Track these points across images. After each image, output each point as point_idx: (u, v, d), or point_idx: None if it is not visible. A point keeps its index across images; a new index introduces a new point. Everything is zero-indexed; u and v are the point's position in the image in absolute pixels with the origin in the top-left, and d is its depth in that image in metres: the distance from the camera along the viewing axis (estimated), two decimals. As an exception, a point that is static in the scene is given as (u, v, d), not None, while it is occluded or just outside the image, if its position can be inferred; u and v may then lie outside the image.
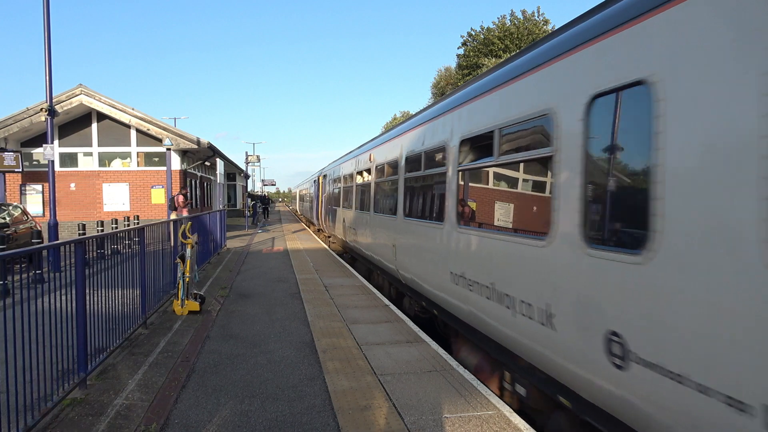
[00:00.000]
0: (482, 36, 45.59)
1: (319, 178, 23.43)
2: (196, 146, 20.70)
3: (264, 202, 41.73)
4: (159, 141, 19.81)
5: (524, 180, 4.64)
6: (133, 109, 19.86)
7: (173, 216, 16.02)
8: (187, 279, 7.73)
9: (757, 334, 2.17)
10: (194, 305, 7.73)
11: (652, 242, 2.78)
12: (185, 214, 16.15)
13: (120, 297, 5.76)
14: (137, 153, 21.13)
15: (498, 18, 46.34)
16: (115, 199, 20.72)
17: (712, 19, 2.51)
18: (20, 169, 18.61)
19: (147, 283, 6.88)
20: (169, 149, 19.05)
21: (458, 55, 48.35)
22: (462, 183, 5.70)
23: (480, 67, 41.55)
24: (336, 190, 16.85)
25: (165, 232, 8.27)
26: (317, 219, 24.05)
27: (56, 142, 18.53)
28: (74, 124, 20.46)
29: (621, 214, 3.26)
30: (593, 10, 3.79)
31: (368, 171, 11.28)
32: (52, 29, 12.01)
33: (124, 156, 21.16)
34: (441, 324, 7.12)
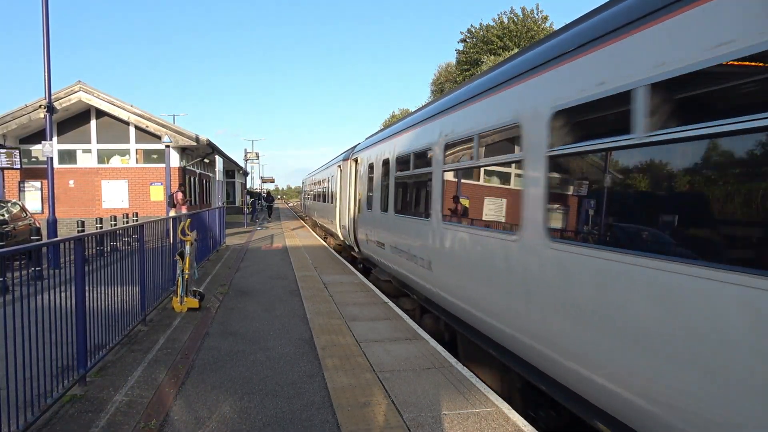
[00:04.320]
0: (481, 33, 45.54)
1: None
2: (195, 143, 20.69)
3: (268, 200, 41.12)
4: (158, 138, 19.78)
5: None
6: (131, 106, 19.83)
7: (172, 213, 16.01)
8: (186, 276, 7.73)
9: None
10: (193, 302, 7.74)
11: None
12: (184, 211, 16.14)
13: (119, 294, 5.76)
14: (136, 150, 21.11)
15: (497, 15, 46.31)
16: (114, 196, 20.71)
17: None
18: (18, 166, 18.59)
19: (146, 280, 6.88)
20: (168, 146, 19.03)
21: (457, 51, 48.35)
22: None
23: (480, 64, 41.49)
24: None
25: (164, 229, 8.27)
26: None
27: (55, 138, 18.53)
28: (73, 121, 20.44)
29: None
30: None
31: None
32: (51, 22, 11.99)
33: (123, 153, 21.14)
34: None
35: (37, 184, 20.00)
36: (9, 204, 13.66)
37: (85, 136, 20.71)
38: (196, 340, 6.26)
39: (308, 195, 31.78)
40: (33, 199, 19.91)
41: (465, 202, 5.93)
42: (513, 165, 4.78)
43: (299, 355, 5.67)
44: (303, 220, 33.29)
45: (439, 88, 49.45)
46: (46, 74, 11.96)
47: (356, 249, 12.86)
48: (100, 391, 4.62)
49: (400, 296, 8.85)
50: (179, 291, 7.69)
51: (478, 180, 5.61)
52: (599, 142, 3.48)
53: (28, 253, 8.10)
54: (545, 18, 44.06)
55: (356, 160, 12.78)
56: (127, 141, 20.96)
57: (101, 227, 15.72)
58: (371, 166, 10.75)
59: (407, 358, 5.56)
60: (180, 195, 17.32)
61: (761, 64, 2.40)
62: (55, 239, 4.96)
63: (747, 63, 2.45)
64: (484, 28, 45.66)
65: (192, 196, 23.70)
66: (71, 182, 20.36)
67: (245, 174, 37.77)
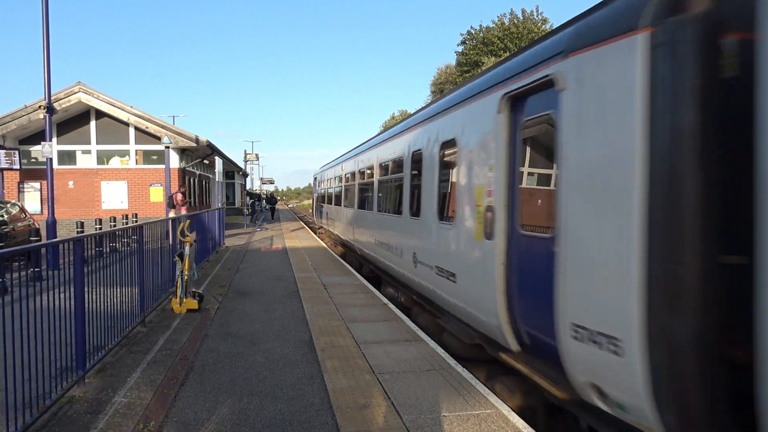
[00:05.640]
0: (481, 35, 45.58)
1: None
2: (194, 144, 20.68)
3: (270, 201, 40.69)
4: (157, 139, 19.78)
5: None
6: (131, 107, 19.83)
7: (172, 214, 16.01)
8: (186, 277, 7.72)
9: None
10: (193, 303, 7.73)
11: None
12: (184, 212, 16.14)
13: (118, 295, 5.75)
14: (136, 151, 21.11)
15: (497, 17, 46.36)
16: (114, 197, 20.70)
17: None
18: (17, 167, 18.57)
19: (145, 281, 6.87)
20: (167, 147, 19.03)
21: (457, 53, 48.37)
22: None
23: (480, 65, 41.54)
24: None
25: (163, 231, 8.26)
26: None
27: (54, 139, 18.52)
28: (73, 122, 20.43)
29: None
30: None
31: None
32: (51, 24, 11.98)
33: (123, 154, 21.13)
34: None
35: (37, 185, 19.99)
36: (8, 205, 13.65)
37: (84, 137, 20.70)
38: (195, 341, 6.25)
39: (332, 197, 18.90)
40: (32, 199, 19.89)
41: None
42: None
43: (299, 357, 5.66)
44: (313, 232, 24.10)
45: (439, 89, 49.49)
46: (46, 74, 11.95)
47: None
48: (98, 392, 4.61)
49: None
50: (178, 292, 7.68)
51: None
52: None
53: (27, 254, 8.05)
54: (545, 20, 44.12)
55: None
56: (127, 142, 20.95)
57: (100, 228, 15.71)
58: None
59: (407, 359, 5.55)
60: (179, 196, 17.32)
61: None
62: (55, 240, 4.97)
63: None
64: (484, 30, 45.70)
65: (191, 198, 23.68)
66: (71, 183, 20.35)
67: (245, 175, 37.72)
